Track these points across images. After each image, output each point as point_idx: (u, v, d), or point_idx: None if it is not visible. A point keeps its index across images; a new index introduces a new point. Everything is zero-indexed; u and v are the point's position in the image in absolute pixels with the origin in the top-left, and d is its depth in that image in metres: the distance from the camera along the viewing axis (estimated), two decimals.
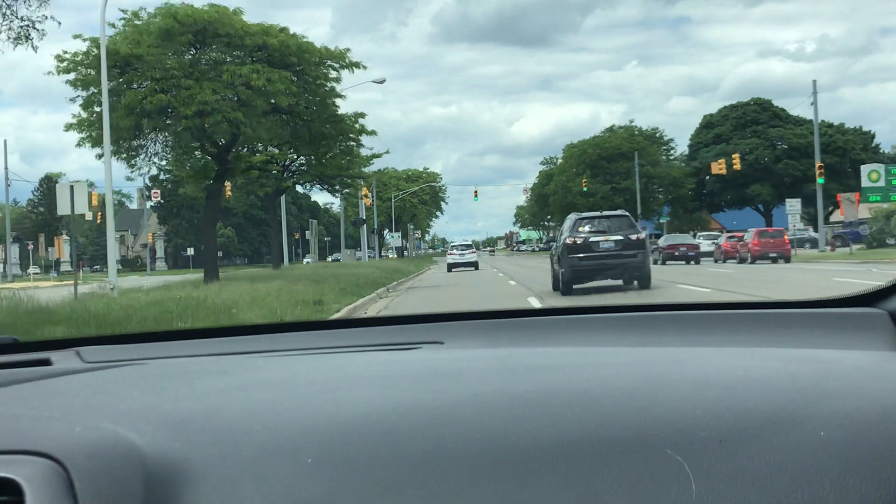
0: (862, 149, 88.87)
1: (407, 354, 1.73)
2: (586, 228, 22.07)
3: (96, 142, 27.48)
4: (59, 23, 21.36)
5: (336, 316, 16.69)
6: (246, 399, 1.27)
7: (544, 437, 1.05)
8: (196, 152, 30.34)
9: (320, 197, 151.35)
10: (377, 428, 1.09)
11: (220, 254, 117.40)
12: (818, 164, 50.16)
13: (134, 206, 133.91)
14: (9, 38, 19.03)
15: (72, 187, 22.22)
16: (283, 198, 47.23)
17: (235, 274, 33.42)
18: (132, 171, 30.19)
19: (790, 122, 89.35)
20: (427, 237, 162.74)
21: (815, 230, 65.13)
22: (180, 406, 1.25)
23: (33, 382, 1.47)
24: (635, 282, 21.94)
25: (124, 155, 29.56)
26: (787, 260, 40.24)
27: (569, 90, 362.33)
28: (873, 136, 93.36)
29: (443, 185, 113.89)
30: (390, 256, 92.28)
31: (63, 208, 22.15)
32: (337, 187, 40.78)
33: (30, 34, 19.50)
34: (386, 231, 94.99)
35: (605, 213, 24.39)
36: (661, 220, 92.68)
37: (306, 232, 79.01)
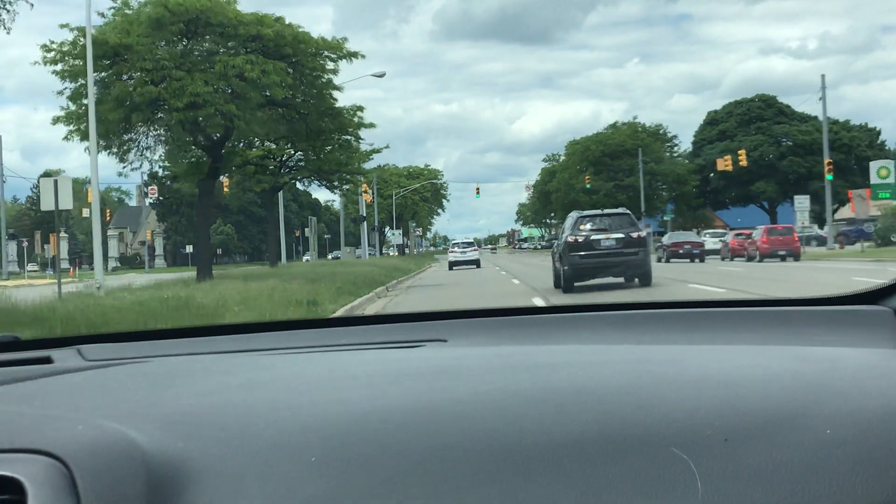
0: (868, 145, 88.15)
1: (411, 352, 1.71)
2: (587, 226, 22.13)
3: (84, 135, 26.49)
4: (32, 4, 20.15)
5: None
6: (249, 397, 1.25)
7: (548, 435, 1.05)
8: (190, 147, 29.31)
9: (321, 194, 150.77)
10: (381, 426, 1.09)
11: (219, 251, 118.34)
12: (827, 160, 49.18)
13: (133, 202, 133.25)
14: None
15: (56, 181, 21.26)
16: (280, 194, 46.22)
17: (230, 272, 32.48)
18: (124, 167, 29.19)
19: (795, 119, 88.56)
20: (429, 235, 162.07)
21: (820, 227, 64.36)
22: (183, 404, 1.24)
23: (35, 381, 1.46)
24: (636, 279, 22.00)
25: (115, 149, 28.58)
26: (797, 258, 39.33)
27: (570, 88, 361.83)
28: (879, 133, 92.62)
29: (444, 183, 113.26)
30: (391, 254, 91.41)
31: (47, 204, 21.18)
32: (335, 183, 39.72)
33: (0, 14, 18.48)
34: (387, 228, 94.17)
35: (606, 211, 24.43)
36: (664, 218, 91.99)
37: (306, 229, 78.12)
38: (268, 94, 26.80)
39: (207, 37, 26.71)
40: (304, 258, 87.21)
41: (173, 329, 2.10)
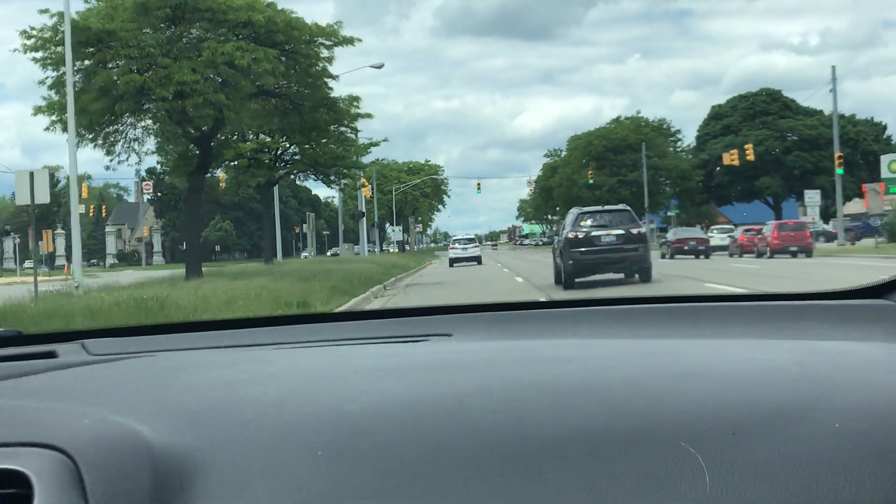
0: (874, 140, 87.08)
1: (416, 346, 1.71)
2: (588, 223, 22.26)
3: (67, 126, 25.32)
4: None
5: None
6: (254, 391, 1.25)
7: (555, 429, 1.05)
8: (179, 139, 28.08)
9: (322, 191, 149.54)
10: (386, 420, 1.09)
11: (217, 248, 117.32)
12: (837, 154, 47.86)
13: (132, 199, 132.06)
14: None
15: (31, 174, 20.00)
16: (276, 189, 44.94)
17: (221, 270, 31.24)
18: (111, 160, 27.94)
19: (800, 113, 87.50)
20: (429, 231, 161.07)
21: (825, 222, 63.19)
22: (188, 398, 1.24)
23: (39, 375, 1.46)
24: (637, 276, 22.05)
25: (101, 141, 27.37)
26: (809, 254, 38.13)
27: (571, 84, 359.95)
28: (885, 127, 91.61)
29: (445, 178, 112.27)
30: (391, 251, 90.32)
31: (22, 198, 19.94)
32: (332, 178, 38.45)
33: None
34: (387, 225, 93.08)
35: (607, 207, 24.71)
36: (668, 214, 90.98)
37: (304, 226, 76.97)
38: (259, 83, 25.56)
39: (195, 23, 25.45)
40: (303, 255, 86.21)
41: (178, 323, 2.08)
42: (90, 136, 27.00)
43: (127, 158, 28.31)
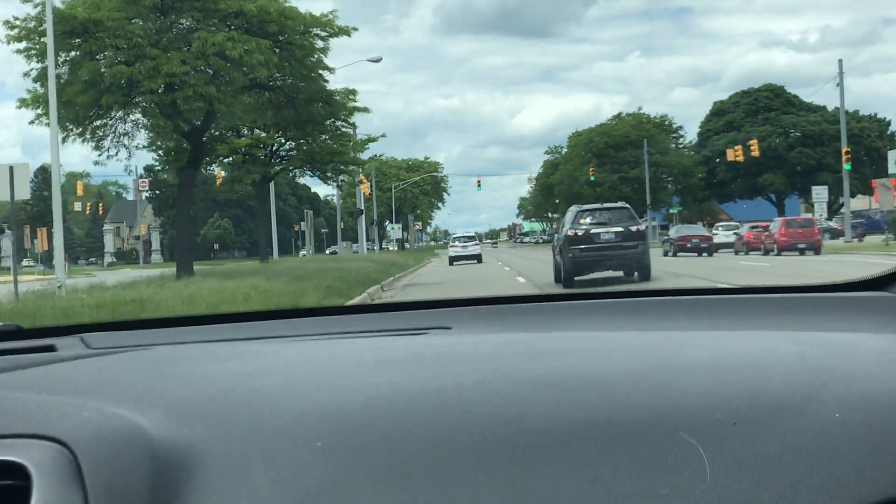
0: (878, 136, 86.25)
1: (415, 339, 1.70)
2: (587, 220, 22.38)
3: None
4: None
5: None
6: (254, 384, 1.25)
7: (555, 421, 1.05)
8: (170, 133, 27.14)
9: (322, 189, 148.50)
10: (386, 413, 1.10)
11: (216, 246, 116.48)
12: (845, 149, 46.88)
13: (131, 197, 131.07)
14: None
15: (11, 168, 19.09)
16: (271, 186, 43.99)
17: (214, 269, 30.31)
18: (100, 155, 26.97)
19: (803, 109, 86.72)
20: (429, 229, 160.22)
21: (828, 219, 62.37)
22: (188, 391, 1.24)
23: (38, 368, 1.47)
24: (636, 273, 22.15)
25: (89, 136, 26.41)
26: (818, 251, 37.24)
27: (571, 81, 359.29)
28: (888, 124, 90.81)
29: (444, 175, 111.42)
30: (390, 249, 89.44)
31: (2, 193, 19.02)
32: (329, 174, 37.49)
33: None
34: (387, 222, 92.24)
35: (606, 205, 24.70)
36: (670, 211, 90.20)
37: (302, 223, 76.08)
38: (251, 75, 24.61)
39: (185, 12, 24.45)
40: (301, 253, 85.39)
41: (177, 317, 2.12)
42: (77, 131, 26.06)
43: (116, 153, 27.33)
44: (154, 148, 29.72)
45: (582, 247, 21.59)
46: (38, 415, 1.09)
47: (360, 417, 1.08)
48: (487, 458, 0.99)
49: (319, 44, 26.24)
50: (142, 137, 28.56)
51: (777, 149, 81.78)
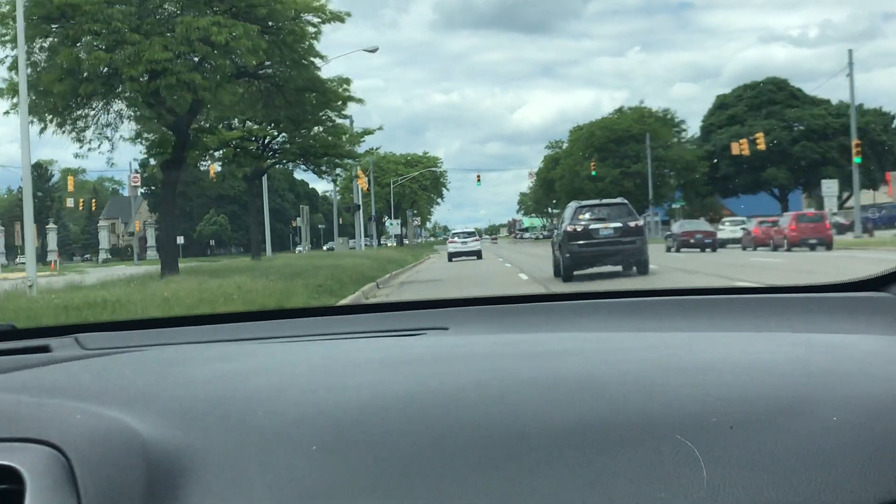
0: (882, 130, 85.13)
1: (412, 340, 1.70)
2: (586, 216, 22.71)
3: (30, 110, 23.16)
4: None
5: None
6: (249, 385, 1.25)
7: (552, 423, 1.05)
8: (154, 124, 25.88)
9: (321, 185, 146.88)
10: (382, 414, 1.09)
11: (212, 242, 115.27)
12: (855, 141, 45.64)
13: (126, 192, 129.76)
14: None
15: None
16: (264, 180, 42.71)
17: (201, 266, 29.03)
18: (81, 146, 25.71)
19: (807, 103, 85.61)
20: (428, 225, 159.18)
21: (833, 213, 61.29)
22: (182, 393, 1.24)
23: (33, 369, 1.46)
24: (634, 268, 22.32)
25: (69, 127, 25.16)
26: (829, 247, 36.06)
27: (570, 77, 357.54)
28: (893, 118, 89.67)
29: (443, 171, 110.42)
30: (389, 245, 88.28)
31: None
32: (324, 168, 36.24)
33: None
34: (385, 218, 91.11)
35: (605, 201, 25.20)
36: (672, 206, 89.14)
37: (297, 219, 74.86)
38: (239, 62, 23.37)
39: None
40: (298, 249, 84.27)
41: (172, 317, 2.06)
42: (58, 121, 24.80)
43: (99, 146, 26.11)
44: (139, 140, 28.43)
45: (581, 242, 21.89)
46: (32, 418, 1.08)
47: (357, 419, 1.07)
48: (484, 459, 0.98)
49: (311, 30, 24.98)
50: (126, 129, 27.23)
51: (781, 143, 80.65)
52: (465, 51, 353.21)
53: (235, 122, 35.38)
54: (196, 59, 23.02)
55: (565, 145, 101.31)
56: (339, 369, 1.35)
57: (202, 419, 1.09)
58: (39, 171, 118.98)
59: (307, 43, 24.92)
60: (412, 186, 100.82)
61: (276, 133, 34.57)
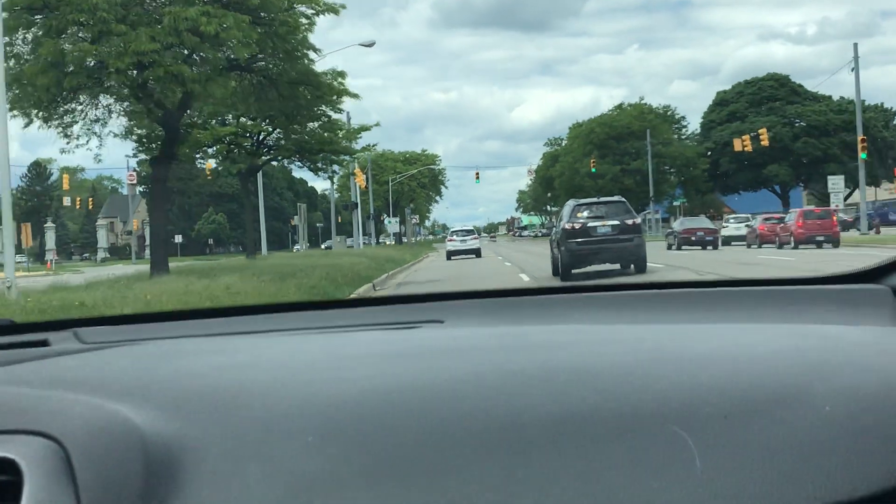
0: (883, 126, 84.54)
1: (407, 333, 1.71)
2: (584, 214, 22.88)
3: (14, 104, 22.38)
4: None
5: None
6: (246, 378, 1.25)
7: (546, 414, 1.06)
8: (143, 119, 25.06)
9: (320, 183, 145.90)
10: (378, 407, 1.10)
11: (211, 241, 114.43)
12: (861, 137, 44.77)
13: (125, 191, 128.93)
14: None
15: None
16: (259, 177, 41.86)
17: (191, 267, 28.16)
18: (67, 142, 24.89)
19: (808, 99, 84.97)
20: (427, 223, 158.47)
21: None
22: (180, 385, 1.24)
23: (31, 363, 1.47)
24: (632, 266, 22.53)
25: (56, 122, 24.33)
26: (836, 244, 35.33)
27: (569, 74, 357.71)
28: (895, 114, 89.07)
29: (442, 168, 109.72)
30: (387, 243, 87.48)
31: None
32: (320, 165, 35.40)
33: None
34: (384, 216, 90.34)
35: (602, 199, 25.41)
36: (673, 203, 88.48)
37: (295, 217, 74.03)
38: (230, 54, 22.54)
39: None
40: (295, 248, 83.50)
41: (170, 311, 2.07)
42: (44, 115, 23.98)
43: (87, 142, 25.27)
44: (129, 136, 27.59)
45: (579, 240, 22.10)
46: (30, 410, 1.08)
47: (352, 411, 1.07)
48: (480, 451, 0.98)
49: (304, 21, 24.13)
50: (116, 125, 26.43)
51: (782, 139, 79.94)
52: (464, 49, 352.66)
53: (230, 118, 34.57)
54: (186, 51, 22.19)
55: (564, 142, 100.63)
56: (335, 362, 1.34)
57: (199, 412, 1.09)
58: (38, 170, 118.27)
59: (300, 35, 24.09)
60: (411, 184, 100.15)
61: (270, 129, 33.72)
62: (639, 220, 23.52)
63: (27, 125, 24.26)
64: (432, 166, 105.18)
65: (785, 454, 0.97)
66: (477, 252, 47.15)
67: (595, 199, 25.52)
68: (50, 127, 24.44)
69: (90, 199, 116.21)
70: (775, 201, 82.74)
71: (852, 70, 45.56)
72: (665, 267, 25.27)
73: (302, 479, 0.96)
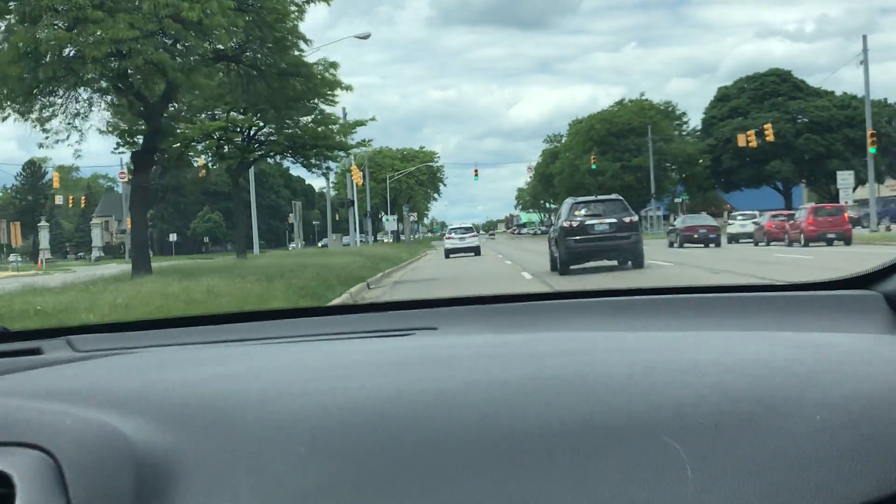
0: (887, 121, 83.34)
1: (400, 341, 1.71)
2: (582, 212, 23.22)
3: None
4: None
5: None
6: (238, 388, 1.25)
7: (539, 424, 1.06)
8: (124, 111, 23.84)
9: (318, 181, 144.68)
10: (371, 416, 1.10)
11: (206, 240, 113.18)
12: (870, 131, 43.56)
13: (121, 189, 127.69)
14: None
15: None
16: (251, 174, 40.64)
17: (174, 267, 26.92)
18: (46, 137, 23.67)
19: (811, 94, 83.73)
20: (426, 220, 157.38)
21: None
22: (172, 395, 1.24)
23: (23, 372, 1.47)
24: (629, 262, 22.86)
25: (34, 116, 23.10)
26: (848, 242, 34.20)
27: (567, 72, 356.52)
28: None
29: (440, 166, 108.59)
30: (385, 241, 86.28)
31: None
32: (314, 160, 34.17)
33: None
34: (382, 214, 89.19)
35: (600, 197, 26.09)
36: (674, 200, 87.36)
37: (290, 215, 72.80)
38: (215, 43, 21.32)
39: None
40: (291, 246, 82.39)
41: (164, 319, 2.09)
42: (21, 109, 22.74)
43: (67, 137, 24.04)
44: (112, 131, 26.36)
45: (577, 238, 22.43)
46: (21, 421, 1.08)
47: (345, 421, 1.07)
48: (473, 461, 0.98)
49: (293, 9, 22.90)
50: (98, 119, 25.19)
51: (784, 135, 78.75)
52: (462, 47, 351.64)
53: (219, 112, 33.36)
54: (167, 39, 20.98)
55: (564, 139, 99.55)
56: (328, 371, 1.33)
57: (191, 422, 1.07)
58: (32, 169, 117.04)
59: (290, 23, 22.88)
60: (409, 182, 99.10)
61: (261, 123, 32.51)
62: (636, 218, 23.81)
63: (3, 119, 23.08)
64: (430, 164, 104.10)
65: (777, 464, 0.95)
66: (476, 250, 46.05)
67: (593, 198, 25.83)
68: (27, 121, 23.24)
69: (83, 197, 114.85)
70: (777, 198, 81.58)
71: (861, 63, 44.34)
72: (674, 265, 24.12)
73: (295, 490, 0.95)
